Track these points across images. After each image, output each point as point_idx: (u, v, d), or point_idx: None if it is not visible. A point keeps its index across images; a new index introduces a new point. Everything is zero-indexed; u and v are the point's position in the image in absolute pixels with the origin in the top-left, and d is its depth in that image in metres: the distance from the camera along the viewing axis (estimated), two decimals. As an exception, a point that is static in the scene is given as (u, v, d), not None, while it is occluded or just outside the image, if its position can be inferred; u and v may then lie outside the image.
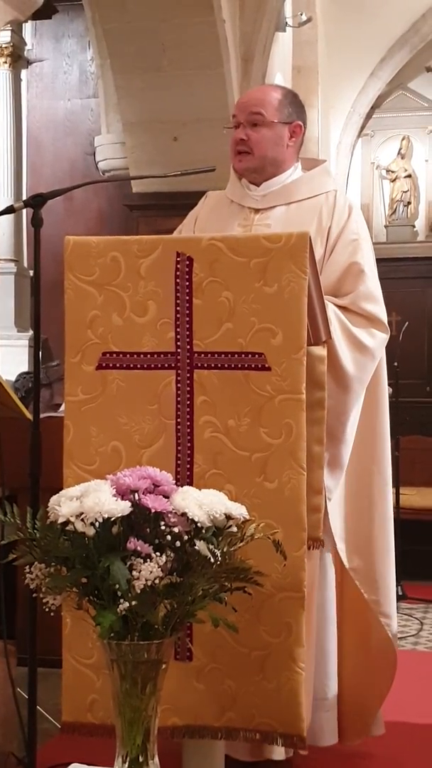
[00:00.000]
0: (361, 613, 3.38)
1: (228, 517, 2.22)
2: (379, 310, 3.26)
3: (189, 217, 3.53)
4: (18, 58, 10.12)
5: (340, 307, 3.17)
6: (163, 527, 2.12)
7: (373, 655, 3.41)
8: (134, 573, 2.06)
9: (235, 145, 3.35)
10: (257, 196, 3.38)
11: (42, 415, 2.98)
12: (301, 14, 9.54)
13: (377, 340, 3.22)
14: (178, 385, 2.82)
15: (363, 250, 3.31)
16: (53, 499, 2.19)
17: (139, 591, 2.05)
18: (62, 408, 3.13)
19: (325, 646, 3.29)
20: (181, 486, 2.29)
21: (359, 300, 3.22)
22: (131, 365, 2.84)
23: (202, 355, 2.80)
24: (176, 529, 2.12)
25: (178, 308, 2.81)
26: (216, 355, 2.79)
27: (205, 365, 2.80)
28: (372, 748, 3.61)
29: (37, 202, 2.92)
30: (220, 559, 2.15)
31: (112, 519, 2.09)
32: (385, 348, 3.35)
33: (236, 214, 3.39)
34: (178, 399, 2.81)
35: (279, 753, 3.12)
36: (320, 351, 2.97)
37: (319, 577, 3.16)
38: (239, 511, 2.25)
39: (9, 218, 9.66)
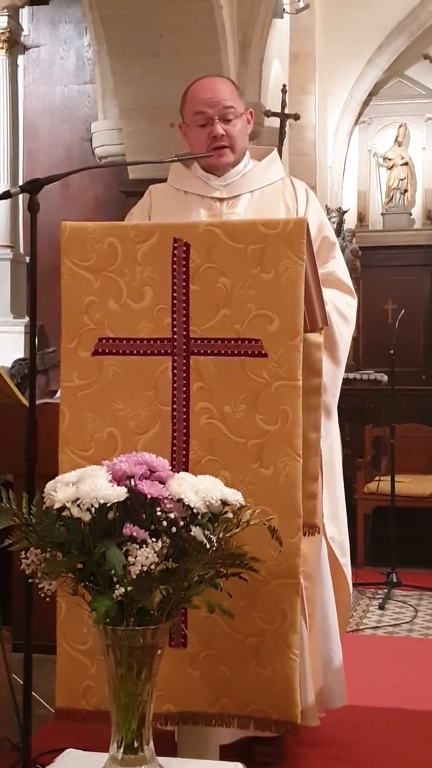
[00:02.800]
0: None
1: (224, 503, 2.22)
2: (348, 277, 3.46)
3: (136, 212, 3.48)
4: (15, 44, 10.07)
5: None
6: (159, 513, 2.12)
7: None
8: (130, 558, 2.06)
9: (214, 142, 3.33)
10: (219, 186, 3.39)
11: (38, 402, 2.97)
12: (299, 1, 9.52)
13: (353, 308, 3.41)
14: (175, 371, 2.81)
15: (327, 226, 3.49)
16: (49, 484, 2.19)
17: (134, 576, 2.05)
18: (58, 394, 3.12)
19: (328, 615, 3.42)
20: (177, 472, 2.28)
21: (336, 269, 3.39)
22: (127, 351, 2.83)
23: (199, 341, 2.80)
24: (172, 515, 2.12)
25: (174, 294, 2.81)
26: (212, 342, 2.78)
27: (202, 351, 2.79)
28: (365, 733, 3.62)
29: (33, 187, 2.91)
30: (215, 545, 2.15)
31: (108, 505, 2.09)
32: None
33: (196, 204, 3.39)
34: (174, 385, 2.81)
35: None
36: (317, 338, 2.98)
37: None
38: (235, 497, 2.25)
39: (5, 204, 9.63)
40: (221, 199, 3.38)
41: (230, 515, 2.25)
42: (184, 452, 2.80)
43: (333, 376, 3.28)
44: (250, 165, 3.46)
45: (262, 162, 3.48)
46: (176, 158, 3.34)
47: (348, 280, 3.42)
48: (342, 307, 3.33)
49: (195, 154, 3.38)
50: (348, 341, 3.37)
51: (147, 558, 2.06)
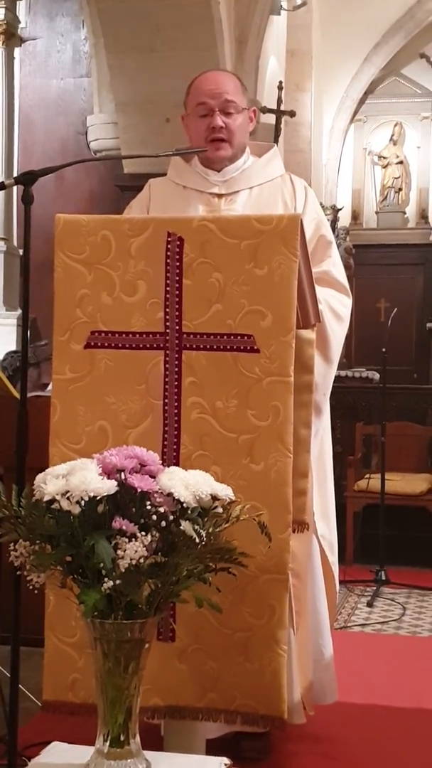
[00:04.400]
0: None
1: (214, 498, 2.22)
2: (344, 276, 3.43)
3: (135, 206, 3.49)
4: (11, 36, 10.05)
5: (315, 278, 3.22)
6: (148, 507, 2.12)
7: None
8: (119, 552, 2.06)
9: (212, 133, 3.33)
10: (218, 181, 3.39)
11: (29, 394, 2.97)
12: (297, -3, 9.50)
13: (347, 308, 3.39)
14: (167, 365, 2.81)
15: (325, 225, 3.46)
16: (39, 477, 2.19)
17: (123, 570, 2.05)
18: (50, 387, 3.12)
19: (319, 611, 3.42)
20: (168, 466, 2.29)
21: (332, 268, 3.37)
22: (120, 345, 2.83)
23: (191, 336, 2.80)
24: (162, 509, 2.13)
25: (167, 288, 2.81)
26: (205, 336, 2.78)
27: (194, 346, 2.79)
28: (352, 729, 3.63)
29: (27, 179, 2.90)
30: (205, 539, 2.16)
31: (98, 498, 2.09)
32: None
33: (195, 199, 3.38)
34: (166, 379, 2.81)
35: None
36: (309, 334, 2.98)
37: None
38: (225, 492, 2.25)
39: (-1, 196, 9.61)
40: (219, 195, 3.37)
41: (220, 510, 2.25)
42: (174, 446, 2.80)
43: (324, 374, 3.27)
44: (250, 161, 3.45)
45: (262, 158, 3.47)
46: (172, 152, 3.33)
47: (344, 279, 3.41)
48: (336, 306, 3.32)
49: (191, 149, 3.37)
50: (341, 340, 3.36)
51: (136, 552, 2.06)
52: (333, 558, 3.48)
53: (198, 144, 3.37)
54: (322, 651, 3.45)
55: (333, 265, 3.38)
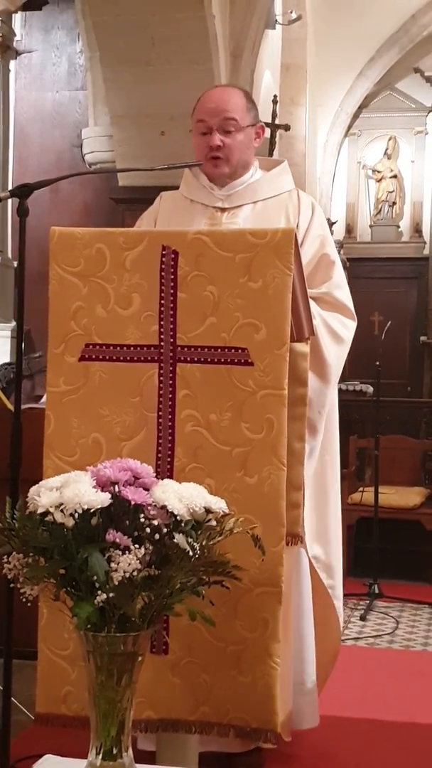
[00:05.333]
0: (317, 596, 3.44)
1: (207, 510, 2.22)
2: (349, 299, 3.38)
3: (146, 218, 3.51)
4: (7, 49, 10.06)
5: (313, 298, 3.19)
6: (142, 519, 2.12)
7: (320, 638, 3.48)
8: (112, 565, 2.06)
9: (210, 151, 3.33)
10: (222, 196, 3.40)
11: (23, 406, 2.98)
12: (291, 12, 9.55)
13: (350, 330, 3.34)
14: (161, 378, 2.82)
15: (330, 243, 3.42)
16: (33, 489, 2.19)
17: (117, 583, 2.05)
18: (44, 399, 3.13)
19: (304, 634, 3.37)
20: (162, 479, 2.29)
21: (333, 289, 3.32)
22: (114, 357, 2.84)
23: (186, 349, 2.80)
24: (155, 522, 2.12)
25: (162, 301, 2.81)
26: (199, 349, 2.79)
27: (188, 359, 2.80)
28: (345, 743, 3.62)
29: (23, 192, 2.92)
30: (198, 552, 2.15)
31: (92, 510, 2.09)
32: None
33: (200, 213, 3.40)
34: (161, 392, 2.81)
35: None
36: (303, 348, 2.98)
37: (296, 568, 3.21)
38: (219, 505, 2.25)
39: (-6, 208, 9.61)
40: (222, 209, 3.38)
41: (214, 523, 2.25)
42: (168, 459, 2.80)
43: (319, 392, 3.21)
44: (258, 175, 3.45)
45: (269, 173, 3.47)
46: (166, 166, 3.35)
47: (346, 300, 3.34)
48: (334, 325, 3.27)
49: (186, 163, 3.39)
50: (338, 359, 3.29)
51: (129, 564, 2.06)
52: (331, 581, 3.41)
53: (198, 160, 3.37)
54: (303, 677, 3.38)
55: (336, 286, 3.33)
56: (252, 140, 3.42)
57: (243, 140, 3.36)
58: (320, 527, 3.36)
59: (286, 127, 9.60)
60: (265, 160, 3.55)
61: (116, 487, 2.15)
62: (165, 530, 2.13)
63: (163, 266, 2.81)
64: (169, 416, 2.80)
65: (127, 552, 2.08)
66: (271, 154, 9.00)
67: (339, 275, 3.36)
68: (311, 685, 3.42)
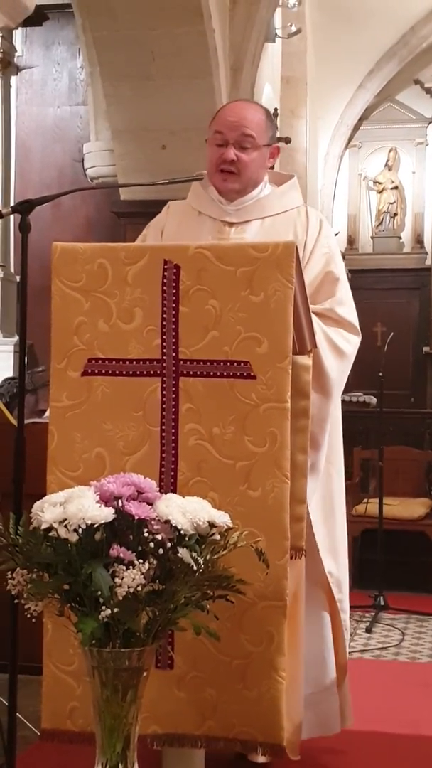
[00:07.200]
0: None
1: (211, 524, 2.22)
2: (353, 315, 3.36)
3: (153, 227, 3.50)
4: (8, 65, 10.10)
5: (317, 314, 3.18)
6: (146, 534, 2.13)
7: None
8: (117, 580, 2.06)
9: (222, 164, 3.32)
10: (231, 210, 3.39)
11: (26, 421, 2.97)
12: (291, 25, 9.58)
13: (353, 345, 3.32)
14: (164, 392, 2.82)
15: (336, 260, 3.40)
16: (36, 505, 2.19)
17: (121, 598, 2.05)
18: (47, 414, 3.13)
19: (324, 636, 3.37)
20: (165, 493, 2.29)
21: (336, 305, 3.30)
22: (117, 372, 2.84)
23: (188, 363, 2.80)
24: (159, 537, 2.13)
25: (164, 316, 2.82)
26: (202, 363, 2.79)
27: (191, 373, 2.80)
28: (351, 757, 3.61)
29: (25, 208, 2.93)
30: (202, 566, 2.16)
31: (96, 525, 2.10)
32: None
33: (208, 226, 3.39)
34: (163, 406, 2.82)
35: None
36: (305, 360, 2.98)
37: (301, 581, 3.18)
38: (222, 519, 2.25)
39: (-4, 224, 9.63)
40: (231, 223, 3.37)
41: (217, 537, 2.25)
42: (172, 473, 2.80)
43: (319, 406, 3.17)
44: (267, 190, 3.43)
45: (278, 189, 3.45)
46: (167, 181, 3.35)
47: (350, 317, 3.32)
48: (336, 339, 3.25)
49: (188, 178, 3.38)
50: (340, 374, 3.28)
51: (134, 579, 2.06)
52: (340, 595, 3.39)
53: (209, 171, 3.37)
54: (324, 678, 3.39)
55: (339, 303, 3.30)
56: (266, 159, 3.40)
57: (257, 159, 3.34)
58: (330, 541, 3.34)
59: (287, 140, 9.61)
60: (274, 174, 3.53)
61: (120, 501, 2.16)
62: (169, 545, 2.13)
63: (165, 280, 2.81)
64: (173, 430, 2.81)
65: (131, 567, 2.08)
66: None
67: (343, 292, 3.34)
68: (330, 684, 3.42)
